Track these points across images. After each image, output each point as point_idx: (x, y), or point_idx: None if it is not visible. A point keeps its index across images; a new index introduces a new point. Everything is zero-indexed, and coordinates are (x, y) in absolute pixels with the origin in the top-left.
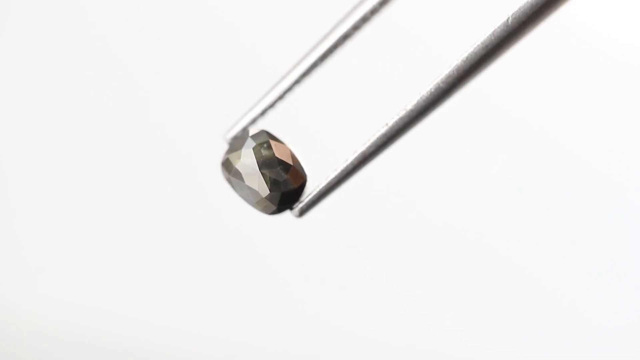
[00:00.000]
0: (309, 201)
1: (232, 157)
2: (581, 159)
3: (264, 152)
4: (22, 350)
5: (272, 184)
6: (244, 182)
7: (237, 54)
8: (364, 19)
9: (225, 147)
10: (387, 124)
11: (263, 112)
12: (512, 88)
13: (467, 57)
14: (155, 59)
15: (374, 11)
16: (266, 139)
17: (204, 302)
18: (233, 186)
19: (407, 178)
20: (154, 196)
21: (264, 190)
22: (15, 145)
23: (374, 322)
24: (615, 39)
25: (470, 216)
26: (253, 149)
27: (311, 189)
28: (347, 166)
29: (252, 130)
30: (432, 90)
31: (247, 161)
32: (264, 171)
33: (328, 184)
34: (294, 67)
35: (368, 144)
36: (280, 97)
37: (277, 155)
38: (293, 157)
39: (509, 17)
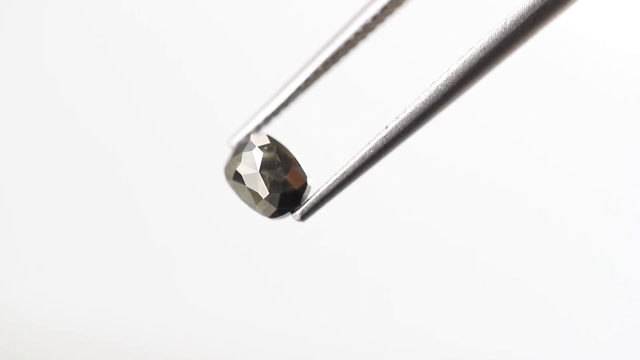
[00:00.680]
0: (310, 204)
1: (233, 160)
2: (572, 163)
3: (265, 154)
4: (21, 350)
5: (272, 184)
6: (244, 184)
7: (238, 59)
8: (366, 27)
9: (228, 153)
10: (386, 127)
11: (267, 119)
12: (504, 98)
13: (465, 61)
14: (156, 64)
15: (375, 18)
16: (267, 142)
17: (202, 303)
18: (235, 190)
19: (399, 185)
20: (152, 198)
21: (263, 191)
22: (16, 147)
23: (367, 325)
24: (611, 48)
25: (462, 221)
26: (253, 151)
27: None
28: (347, 169)
29: (255, 135)
30: (432, 93)
31: (247, 163)
32: (263, 172)
33: (328, 187)
34: (298, 74)
35: (368, 146)
36: (285, 105)
37: (277, 157)
38: (294, 159)
39: (506, 20)
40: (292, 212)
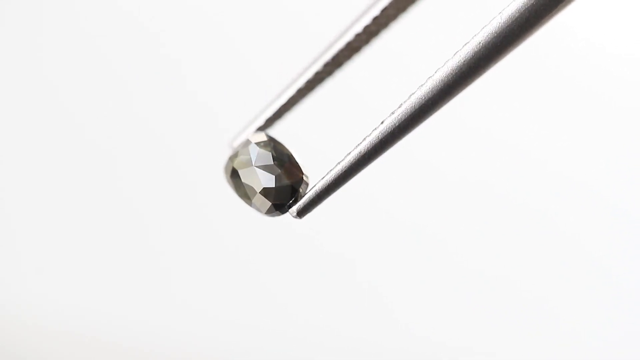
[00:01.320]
0: (305, 200)
1: (231, 158)
2: (570, 165)
3: (260, 150)
4: (20, 350)
5: (266, 178)
6: (240, 180)
7: (236, 60)
8: (368, 31)
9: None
10: (382, 122)
11: (268, 122)
12: (500, 100)
13: (460, 56)
14: (155, 64)
15: (376, 20)
16: (264, 139)
17: (201, 304)
18: (233, 188)
19: (396, 186)
20: (151, 200)
21: (258, 185)
22: (16, 148)
23: (365, 325)
24: (609, 51)
25: (460, 223)
26: (250, 147)
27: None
28: (343, 164)
29: (253, 134)
30: (428, 88)
31: (243, 159)
32: (258, 167)
33: (324, 182)
34: (299, 76)
35: (363, 142)
36: (286, 107)
37: (273, 152)
38: (290, 155)
39: (501, 14)
40: (288, 207)
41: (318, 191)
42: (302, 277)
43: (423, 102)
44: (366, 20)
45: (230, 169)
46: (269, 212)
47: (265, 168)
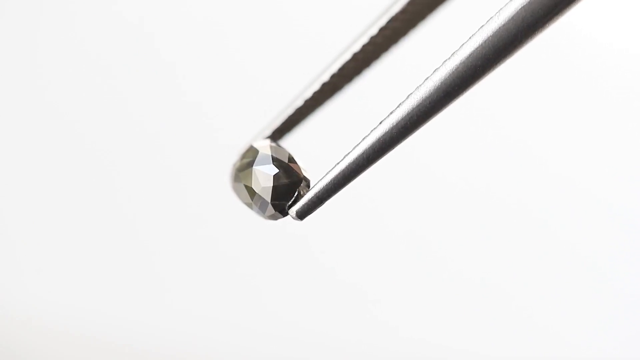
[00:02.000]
0: (305, 201)
1: (234, 164)
2: (568, 166)
3: (261, 152)
4: (19, 350)
5: (265, 178)
6: (242, 184)
7: (234, 64)
8: (378, 35)
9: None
10: (380, 122)
11: (277, 132)
12: (497, 102)
13: (458, 56)
14: (151, 68)
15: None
16: (266, 144)
17: (199, 305)
18: (237, 193)
19: (391, 191)
20: (149, 201)
21: (256, 184)
22: (13, 150)
23: (346, 324)
24: (612, 51)
25: (454, 227)
26: (250, 151)
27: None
28: (341, 165)
29: (257, 141)
30: (426, 88)
31: (244, 162)
32: (257, 167)
33: (323, 182)
34: (306, 87)
35: (362, 143)
36: (293, 117)
37: (273, 153)
38: (290, 156)
39: (499, 11)
40: (288, 209)
41: (317, 192)
42: (295, 280)
43: (421, 101)
44: (374, 30)
45: (233, 175)
46: (269, 214)
47: (264, 168)
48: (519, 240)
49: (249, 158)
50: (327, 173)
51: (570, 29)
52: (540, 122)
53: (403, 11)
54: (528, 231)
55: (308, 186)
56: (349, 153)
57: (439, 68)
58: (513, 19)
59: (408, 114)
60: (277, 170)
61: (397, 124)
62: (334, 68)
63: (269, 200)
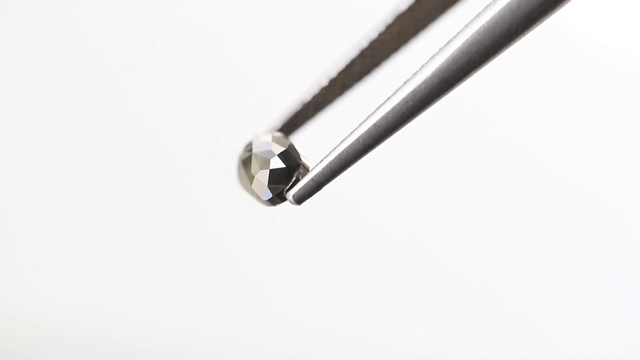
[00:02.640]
0: (302, 185)
1: (239, 157)
2: (567, 167)
3: (262, 140)
4: (18, 350)
5: (262, 162)
6: (242, 169)
7: (232, 63)
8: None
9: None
10: (377, 109)
11: (284, 128)
12: (495, 101)
13: (448, 49)
14: (150, 67)
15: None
16: (269, 133)
17: (198, 305)
18: (240, 182)
19: (388, 188)
20: (148, 201)
21: (255, 169)
22: (13, 150)
23: (346, 324)
24: (613, 50)
25: (453, 227)
26: (253, 140)
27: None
28: (339, 150)
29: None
30: (419, 77)
31: (246, 150)
32: (256, 152)
33: (320, 167)
34: (312, 84)
35: (359, 129)
36: (301, 114)
37: (273, 141)
38: (289, 143)
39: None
40: (285, 193)
41: (314, 176)
42: (295, 280)
43: (413, 89)
44: (380, 28)
45: (237, 165)
46: (267, 198)
47: (263, 153)
48: (519, 241)
49: (249, 147)
50: (324, 157)
51: (571, 29)
52: (541, 122)
53: (410, 9)
54: (528, 231)
55: (306, 171)
56: (345, 138)
57: (435, 55)
58: (508, 6)
59: (404, 99)
60: (274, 155)
61: (392, 109)
62: (341, 65)
63: (266, 184)
